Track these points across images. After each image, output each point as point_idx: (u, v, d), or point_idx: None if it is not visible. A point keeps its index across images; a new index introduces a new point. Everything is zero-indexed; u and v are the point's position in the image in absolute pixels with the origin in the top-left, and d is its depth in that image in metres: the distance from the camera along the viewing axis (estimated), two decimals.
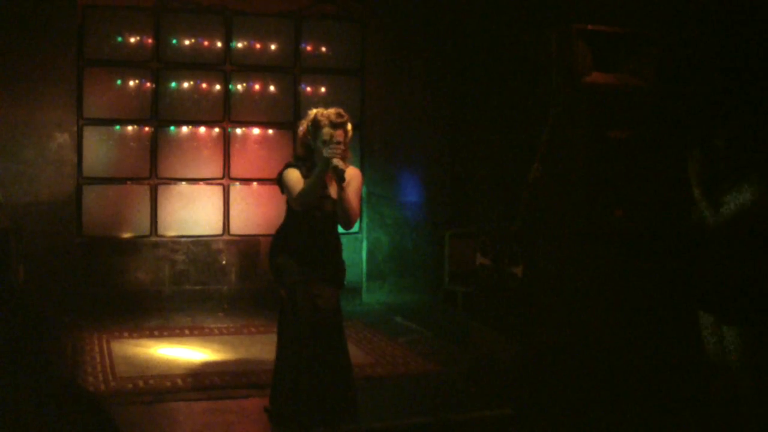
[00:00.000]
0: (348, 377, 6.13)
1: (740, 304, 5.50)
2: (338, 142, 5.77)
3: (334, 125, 5.80)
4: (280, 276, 6.08)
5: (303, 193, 5.76)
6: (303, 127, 5.99)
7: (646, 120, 7.35)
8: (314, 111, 5.96)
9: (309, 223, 5.94)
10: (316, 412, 5.94)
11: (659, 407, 6.40)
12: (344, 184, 5.79)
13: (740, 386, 5.62)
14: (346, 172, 5.79)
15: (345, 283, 6.26)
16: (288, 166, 5.98)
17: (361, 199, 6.14)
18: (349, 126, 5.92)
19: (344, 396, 6.07)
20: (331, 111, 5.88)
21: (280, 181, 5.99)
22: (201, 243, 10.24)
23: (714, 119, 7.29)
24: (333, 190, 5.92)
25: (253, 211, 10.51)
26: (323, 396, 5.95)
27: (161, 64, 10.11)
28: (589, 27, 7.24)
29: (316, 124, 5.86)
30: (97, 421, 2.03)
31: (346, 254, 8.86)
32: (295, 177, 5.88)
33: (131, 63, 10.05)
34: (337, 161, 5.72)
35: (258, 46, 10.49)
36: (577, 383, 6.59)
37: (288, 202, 6.01)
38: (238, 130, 10.43)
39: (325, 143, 5.76)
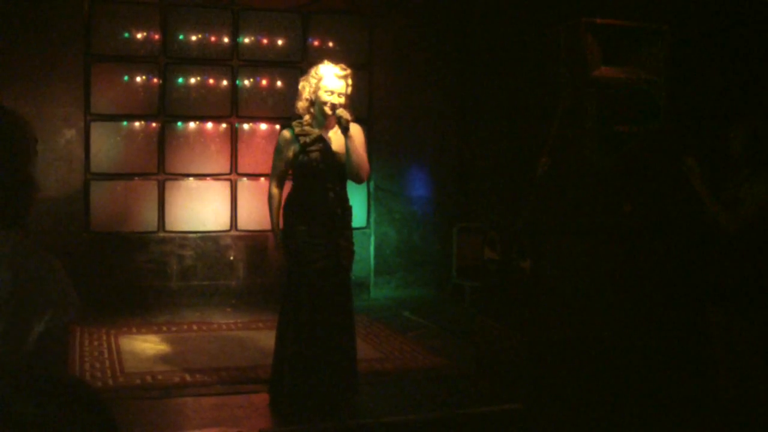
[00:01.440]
0: (351, 363, 6.22)
1: (753, 300, 5.49)
2: (341, 94, 5.96)
3: (337, 76, 5.98)
4: (290, 249, 6.09)
5: (270, 204, 6.15)
6: (305, 80, 6.11)
7: (655, 114, 7.32)
8: (318, 65, 6.10)
9: (312, 182, 6.04)
10: (314, 397, 6.05)
11: (665, 405, 6.38)
12: (350, 137, 5.93)
13: (750, 385, 5.60)
14: (349, 128, 5.92)
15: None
16: (284, 128, 6.19)
17: (365, 151, 6.19)
18: (350, 81, 6.08)
19: (344, 382, 6.17)
20: (331, 65, 6.05)
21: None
22: (209, 238, 10.24)
23: (724, 114, 7.26)
24: (339, 144, 6.04)
25: (261, 206, 10.46)
26: (322, 380, 6.04)
27: (168, 60, 10.10)
28: (598, 21, 7.22)
29: (319, 75, 6.01)
30: (98, 421, 2.01)
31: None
32: (278, 151, 6.14)
33: (138, 58, 10.05)
34: (341, 111, 5.90)
35: (265, 41, 10.48)
36: (585, 379, 6.58)
37: (294, 171, 6.13)
38: (246, 126, 10.42)
39: (330, 93, 5.95)
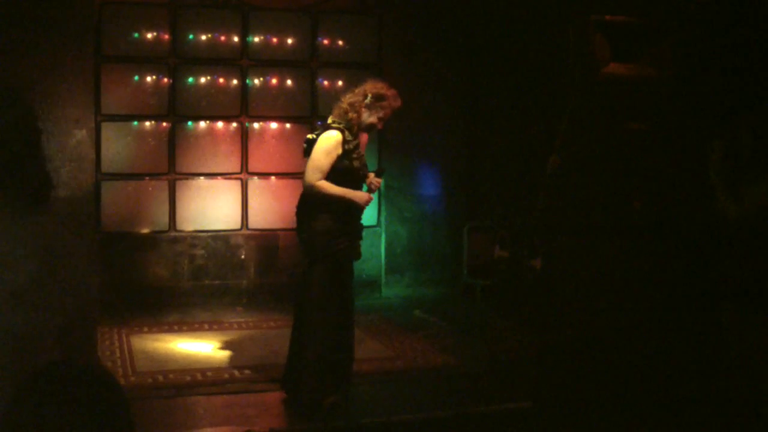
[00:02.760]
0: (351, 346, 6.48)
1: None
2: (383, 120, 6.44)
3: (393, 106, 6.42)
4: (314, 245, 6.31)
5: (325, 187, 6.20)
6: (362, 94, 6.38)
7: (665, 111, 7.31)
8: (371, 85, 6.44)
9: (351, 186, 6.31)
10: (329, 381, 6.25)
11: (676, 405, 6.37)
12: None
13: (764, 384, 5.58)
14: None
15: None
16: (329, 129, 6.32)
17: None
18: None
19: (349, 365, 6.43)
20: (379, 84, 6.47)
21: (314, 142, 6.30)
22: (220, 238, 10.25)
23: (734, 110, 7.24)
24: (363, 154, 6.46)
25: (272, 205, 10.51)
26: (342, 377, 6.32)
27: (178, 60, 10.12)
28: (607, 18, 7.21)
29: (382, 96, 6.36)
30: (114, 404, 2.03)
31: (364, 248, 8.83)
32: (328, 150, 6.24)
33: (148, 59, 10.06)
34: (377, 185, 6.48)
35: (275, 40, 10.49)
36: (596, 377, 6.57)
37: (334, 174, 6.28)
38: (256, 125, 10.43)
39: (386, 114, 6.38)
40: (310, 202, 6.34)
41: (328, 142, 6.24)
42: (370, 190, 6.40)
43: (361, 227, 6.50)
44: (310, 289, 6.32)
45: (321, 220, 6.27)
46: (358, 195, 6.30)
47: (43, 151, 2.36)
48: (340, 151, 6.23)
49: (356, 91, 6.44)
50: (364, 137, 6.49)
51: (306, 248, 6.39)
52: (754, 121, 5.62)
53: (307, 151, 6.35)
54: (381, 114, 6.36)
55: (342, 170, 6.25)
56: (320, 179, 6.21)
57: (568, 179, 7.24)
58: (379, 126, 6.42)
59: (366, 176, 6.44)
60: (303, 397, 6.22)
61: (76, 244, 6.00)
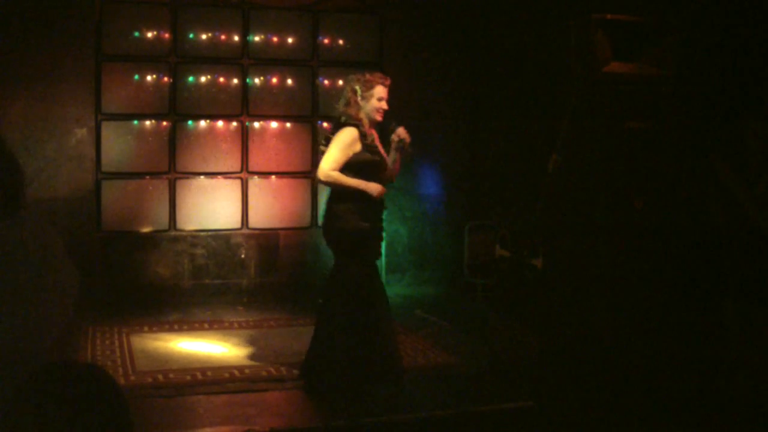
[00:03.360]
0: (394, 341, 6.73)
1: None
2: (386, 101, 6.56)
3: (384, 84, 6.56)
4: (345, 243, 6.57)
5: (347, 183, 6.45)
6: (351, 88, 6.58)
7: (666, 110, 7.30)
8: (354, 78, 6.61)
9: (372, 179, 6.51)
10: (360, 374, 6.50)
11: (678, 404, 6.36)
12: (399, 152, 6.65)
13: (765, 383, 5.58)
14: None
15: None
16: (346, 125, 6.57)
17: None
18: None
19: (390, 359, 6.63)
20: (375, 74, 6.66)
21: (334, 136, 6.56)
22: (220, 237, 10.25)
23: (735, 110, 7.23)
24: (380, 146, 6.67)
25: (272, 204, 10.50)
26: (371, 356, 6.53)
27: (179, 59, 10.10)
28: (609, 16, 7.20)
29: (368, 83, 6.53)
30: (113, 407, 2.02)
31: None
32: (345, 145, 6.50)
33: (149, 58, 10.05)
34: (402, 132, 6.58)
35: (275, 39, 10.48)
36: (597, 377, 6.56)
37: (342, 169, 6.50)
38: (256, 124, 10.42)
39: (381, 100, 6.52)
40: (337, 202, 6.58)
41: (345, 136, 6.51)
42: (401, 147, 6.60)
43: (382, 228, 6.73)
44: (338, 288, 6.59)
45: (348, 220, 6.51)
46: (371, 186, 6.48)
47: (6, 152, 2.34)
48: (358, 146, 6.50)
49: (345, 92, 6.67)
50: (374, 125, 6.69)
51: (334, 248, 6.67)
52: (760, 125, 5.59)
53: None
54: (376, 97, 6.54)
55: (364, 164, 6.51)
56: (335, 169, 6.46)
57: (568, 178, 7.23)
58: (384, 107, 6.56)
59: (384, 163, 6.65)
60: (325, 391, 6.51)
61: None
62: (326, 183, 6.57)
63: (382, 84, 6.57)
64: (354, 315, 6.51)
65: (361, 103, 6.55)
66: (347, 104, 6.60)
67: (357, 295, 6.52)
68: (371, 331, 6.55)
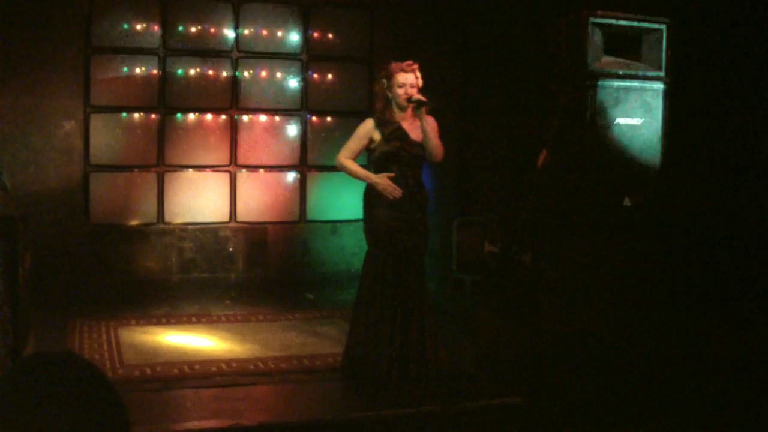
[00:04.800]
0: (427, 331, 6.74)
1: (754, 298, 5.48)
2: (412, 85, 6.66)
3: (405, 71, 6.67)
4: (373, 231, 6.76)
5: (353, 170, 6.74)
6: (378, 82, 6.86)
7: (657, 108, 7.31)
8: (382, 69, 6.87)
9: (393, 169, 6.69)
10: (395, 371, 6.57)
11: (665, 402, 6.38)
12: (425, 119, 6.64)
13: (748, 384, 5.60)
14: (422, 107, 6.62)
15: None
16: (367, 118, 6.87)
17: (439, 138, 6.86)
18: (419, 73, 6.76)
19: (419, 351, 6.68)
20: (402, 62, 6.74)
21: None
22: (208, 230, 10.23)
23: (727, 109, 7.25)
24: (416, 134, 6.72)
25: (261, 198, 10.49)
26: (395, 352, 6.59)
27: (168, 52, 10.08)
28: (599, 14, 7.20)
29: (389, 73, 6.71)
30: (107, 403, 2.01)
31: (353, 242, 8.85)
32: (358, 135, 6.80)
33: (138, 50, 10.02)
34: (418, 98, 6.59)
35: (266, 33, 10.46)
36: (585, 374, 6.57)
37: (370, 159, 6.96)
38: (246, 117, 10.41)
39: (402, 86, 6.63)
40: (367, 191, 6.77)
41: (359, 127, 6.83)
42: (418, 110, 6.64)
43: (420, 220, 6.79)
44: (363, 277, 6.80)
45: (379, 210, 6.68)
46: (378, 181, 6.65)
47: None
48: (377, 136, 6.74)
49: (377, 81, 6.94)
50: (408, 114, 6.77)
51: (366, 237, 6.83)
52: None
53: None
54: (398, 85, 6.66)
55: (382, 154, 6.71)
56: (347, 157, 6.77)
57: (558, 175, 7.23)
58: (411, 94, 6.64)
59: (414, 151, 6.74)
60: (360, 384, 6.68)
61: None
62: (340, 170, 6.88)
63: (402, 70, 6.67)
64: (378, 307, 6.64)
65: (389, 94, 6.74)
66: (377, 96, 6.92)
67: (380, 286, 6.65)
68: (397, 326, 6.62)
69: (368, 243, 6.83)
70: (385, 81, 6.76)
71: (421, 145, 6.72)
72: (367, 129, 6.77)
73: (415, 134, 6.72)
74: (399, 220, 6.66)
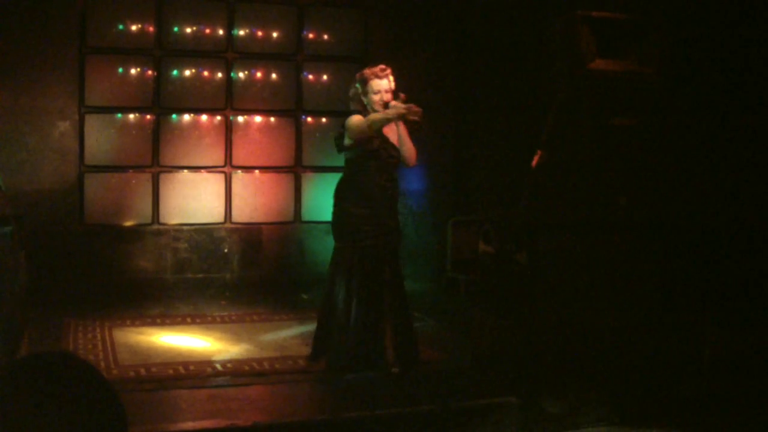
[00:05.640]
0: (404, 326, 6.98)
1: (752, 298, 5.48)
2: (387, 91, 6.78)
3: (380, 77, 6.80)
4: (342, 226, 6.90)
5: (377, 120, 6.69)
6: (354, 87, 6.94)
7: (651, 108, 7.31)
8: (357, 74, 6.96)
9: (369, 165, 6.83)
10: (364, 363, 6.77)
11: (661, 398, 6.38)
12: (402, 127, 6.83)
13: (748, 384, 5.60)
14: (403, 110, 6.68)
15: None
16: (353, 113, 6.92)
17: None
18: (392, 77, 6.86)
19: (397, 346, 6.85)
20: (376, 67, 6.89)
21: (344, 127, 6.89)
22: (203, 231, 10.22)
23: (721, 107, 7.25)
24: (392, 136, 6.89)
25: (255, 199, 10.49)
26: (372, 347, 6.78)
27: (163, 52, 10.07)
28: (594, 13, 7.20)
29: (364, 79, 6.83)
30: (107, 405, 2.01)
31: None
32: (361, 119, 6.80)
33: (133, 50, 10.02)
34: (394, 104, 6.69)
35: (260, 33, 10.46)
36: (581, 372, 6.57)
37: (347, 157, 6.95)
38: (240, 118, 10.40)
39: (377, 92, 6.76)
40: (343, 186, 6.93)
41: (353, 118, 6.84)
42: (403, 119, 6.76)
43: (390, 218, 6.94)
44: (331, 270, 6.97)
45: (348, 204, 6.85)
46: (396, 109, 6.70)
47: None
48: (367, 130, 6.76)
49: (350, 89, 7.03)
50: (391, 124, 6.86)
51: (333, 230, 7.02)
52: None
53: (339, 146, 6.98)
54: (373, 91, 6.79)
55: (361, 152, 6.84)
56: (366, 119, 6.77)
57: (553, 174, 7.23)
58: (386, 99, 6.77)
59: (391, 152, 6.90)
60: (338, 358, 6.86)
61: None
62: (371, 126, 6.70)
63: (377, 77, 6.80)
64: (344, 299, 6.79)
65: (364, 99, 6.87)
66: (353, 100, 6.99)
67: (347, 279, 6.80)
68: (366, 318, 6.78)
69: (334, 236, 6.99)
70: (359, 86, 6.88)
71: (397, 148, 6.94)
72: (362, 120, 6.83)
73: (391, 137, 6.93)
74: (368, 216, 6.81)
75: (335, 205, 6.97)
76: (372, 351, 6.78)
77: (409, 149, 6.95)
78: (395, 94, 6.80)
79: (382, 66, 6.89)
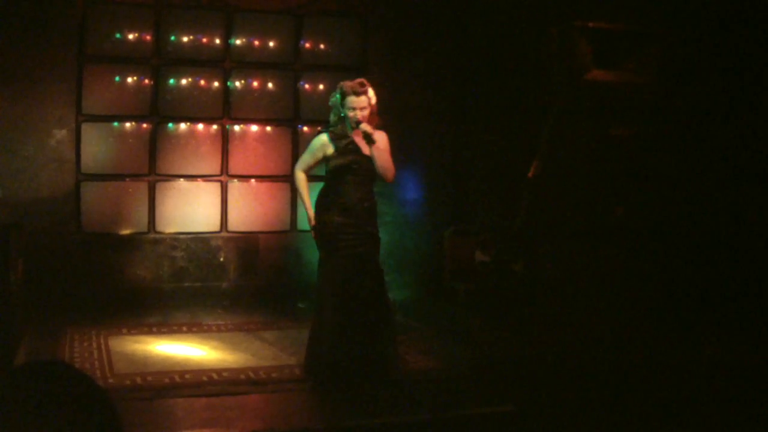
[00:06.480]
0: (388, 335, 6.94)
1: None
2: (363, 108, 6.80)
3: (357, 93, 6.80)
4: (324, 236, 6.95)
5: (300, 185, 7.06)
6: (334, 96, 6.97)
7: (648, 118, 7.33)
8: (342, 83, 6.92)
9: (347, 179, 6.88)
10: (354, 372, 6.76)
11: (659, 407, 6.38)
12: (375, 147, 6.80)
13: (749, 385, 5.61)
14: (374, 134, 6.77)
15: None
16: (321, 132, 7.09)
17: (391, 155, 7.03)
18: (372, 92, 6.88)
19: (383, 354, 6.88)
20: (351, 82, 6.88)
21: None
22: (200, 240, 10.21)
23: (717, 116, 7.26)
24: (366, 149, 6.89)
25: (252, 207, 10.48)
26: (362, 355, 6.79)
27: (161, 61, 10.07)
28: (591, 24, 7.23)
29: (342, 93, 6.86)
30: (102, 415, 2.01)
31: None
32: (312, 150, 7.03)
33: (131, 59, 10.01)
34: (364, 126, 6.75)
35: (258, 42, 10.46)
36: (578, 380, 6.57)
37: (326, 168, 7.03)
38: (237, 127, 10.40)
39: (353, 110, 6.79)
40: (324, 199, 7.00)
41: (314, 141, 7.08)
42: (368, 139, 6.77)
43: (369, 230, 6.98)
44: (318, 282, 7.03)
45: (330, 215, 6.90)
46: (311, 224, 7.02)
47: None
48: (330, 150, 6.93)
49: (333, 94, 7.07)
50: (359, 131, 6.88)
51: (316, 241, 7.08)
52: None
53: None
54: (348, 107, 6.82)
55: (335, 167, 6.92)
56: (302, 170, 7.07)
57: (550, 184, 7.25)
58: (359, 119, 6.79)
59: (365, 165, 6.90)
60: (322, 368, 6.88)
61: None
62: (295, 182, 7.15)
63: (354, 92, 6.82)
64: (332, 309, 6.82)
65: (342, 111, 6.89)
66: (332, 108, 7.04)
67: (333, 289, 6.84)
68: (355, 328, 6.79)
69: (318, 247, 7.04)
70: (338, 98, 6.92)
71: (372, 162, 6.93)
72: (321, 143, 6.99)
73: (367, 149, 6.92)
74: (348, 226, 6.85)
75: (317, 216, 7.01)
76: (346, 359, 6.78)
77: (381, 166, 6.91)
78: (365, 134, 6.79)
79: (362, 81, 6.92)
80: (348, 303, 6.79)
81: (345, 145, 6.92)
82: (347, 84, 6.88)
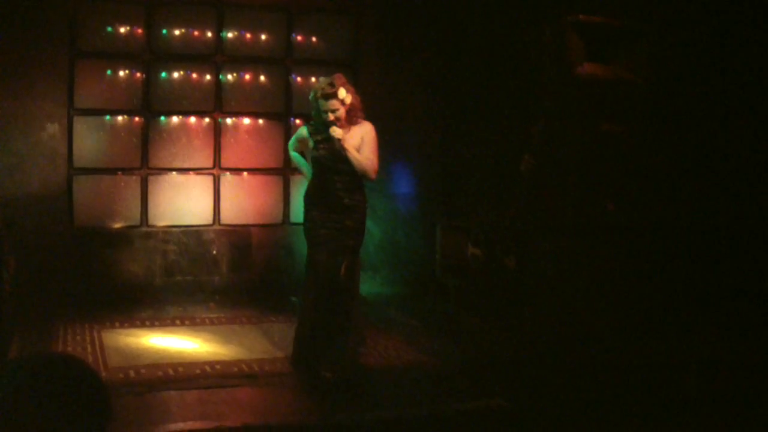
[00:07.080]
0: (344, 332, 7.01)
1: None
2: (334, 110, 6.80)
3: (326, 96, 6.81)
4: (306, 230, 7.16)
5: (292, 160, 7.47)
6: (311, 95, 7.01)
7: (640, 114, 7.35)
8: (316, 83, 7.10)
9: (326, 174, 6.98)
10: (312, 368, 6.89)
11: (647, 402, 6.41)
12: (359, 143, 6.89)
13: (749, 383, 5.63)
14: (359, 127, 6.94)
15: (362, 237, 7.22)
16: (304, 125, 7.27)
17: (376, 150, 7.06)
18: (343, 91, 6.83)
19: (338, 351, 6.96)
20: (323, 82, 6.91)
21: None
22: (192, 233, 10.21)
23: (706, 113, 7.29)
24: (348, 143, 6.91)
25: (244, 201, 10.49)
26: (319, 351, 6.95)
27: (153, 56, 10.06)
28: (581, 18, 7.23)
29: (314, 94, 6.91)
30: (93, 396, 2.03)
31: None
32: (294, 139, 7.37)
33: (123, 54, 9.99)
34: (333, 131, 6.79)
35: (249, 37, 10.46)
36: (568, 376, 6.60)
37: (311, 163, 7.13)
38: (229, 121, 10.40)
39: (324, 112, 6.81)
40: (307, 197, 7.15)
41: (297, 133, 7.34)
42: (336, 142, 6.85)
43: (347, 218, 7.00)
44: (305, 275, 7.14)
45: (312, 211, 7.07)
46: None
47: None
48: (309, 143, 7.06)
49: (312, 91, 7.07)
50: (346, 131, 6.93)
51: (304, 236, 7.22)
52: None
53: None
54: (321, 108, 6.85)
55: (313, 159, 7.06)
56: (291, 148, 7.47)
57: (542, 179, 7.27)
58: (330, 119, 6.81)
59: (344, 160, 6.90)
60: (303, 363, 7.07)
61: None
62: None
63: (324, 96, 6.81)
64: (308, 303, 7.02)
65: (314, 111, 7.00)
66: (311, 103, 7.06)
67: (308, 284, 7.05)
68: (319, 323, 6.96)
69: (306, 240, 7.18)
70: (312, 97, 6.96)
71: (349, 162, 6.93)
72: (302, 136, 7.18)
73: (347, 143, 6.92)
74: (326, 221, 6.96)
75: (303, 212, 7.20)
76: (313, 351, 6.95)
77: (358, 167, 6.91)
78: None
79: (332, 81, 6.87)
80: (318, 298, 6.93)
81: (321, 140, 6.97)
82: (317, 86, 6.93)
